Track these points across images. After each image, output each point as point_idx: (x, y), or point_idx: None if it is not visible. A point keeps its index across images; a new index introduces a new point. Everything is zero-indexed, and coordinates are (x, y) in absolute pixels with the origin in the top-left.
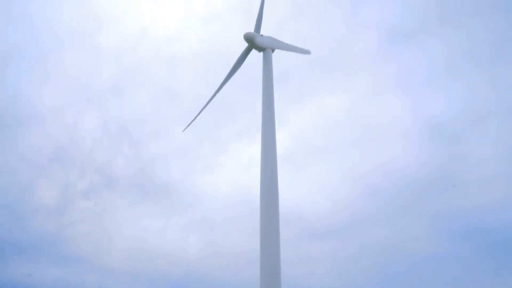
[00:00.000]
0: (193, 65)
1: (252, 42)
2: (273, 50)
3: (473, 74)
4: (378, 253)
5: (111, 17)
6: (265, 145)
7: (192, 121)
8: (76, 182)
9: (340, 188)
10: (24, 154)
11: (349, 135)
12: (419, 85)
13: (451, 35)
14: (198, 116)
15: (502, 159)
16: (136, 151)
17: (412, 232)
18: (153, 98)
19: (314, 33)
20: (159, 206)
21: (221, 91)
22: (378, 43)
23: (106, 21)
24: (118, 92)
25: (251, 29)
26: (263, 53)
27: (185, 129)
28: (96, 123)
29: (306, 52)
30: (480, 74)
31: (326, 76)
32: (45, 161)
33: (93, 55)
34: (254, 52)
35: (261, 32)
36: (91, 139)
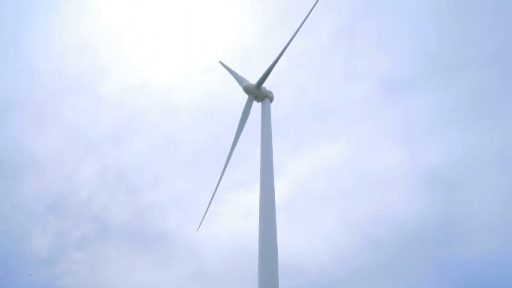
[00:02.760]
0: (192, 114)
1: (252, 91)
2: (271, 100)
3: (470, 123)
4: None
5: (112, 67)
6: (264, 194)
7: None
8: (70, 232)
9: (339, 237)
10: (19, 203)
11: (348, 183)
12: (417, 134)
13: (449, 84)
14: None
15: (503, 207)
16: (133, 200)
17: (412, 282)
18: (151, 147)
19: (312, 83)
20: (155, 256)
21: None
22: (375, 92)
23: (107, 71)
24: (117, 141)
25: (249, 79)
26: (262, 103)
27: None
28: (94, 172)
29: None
30: (477, 122)
31: (324, 125)
32: (40, 209)
33: (93, 104)
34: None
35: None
36: (88, 188)
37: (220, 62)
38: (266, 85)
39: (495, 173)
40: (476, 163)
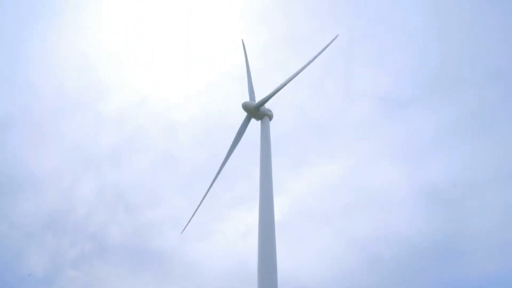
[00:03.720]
0: (192, 132)
1: (251, 111)
2: (270, 118)
3: (470, 141)
4: None
5: (111, 85)
6: (263, 212)
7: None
8: (67, 250)
9: (339, 255)
10: (16, 220)
11: (347, 201)
12: (417, 152)
13: (449, 102)
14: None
15: (502, 225)
16: (131, 217)
17: None
18: (151, 164)
19: (311, 102)
20: (153, 275)
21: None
22: (374, 110)
23: (107, 89)
24: (116, 159)
25: (247, 97)
26: (261, 121)
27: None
28: (93, 189)
29: None
30: (478, 140)
31: (324, 143)
32: (37, 227)
33: (93, 122)
34: (252, 120)
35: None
36: (87, 206)
37: (242, 42)
38: (266, 103)
39: (495, 191)
40: (476, 181)
